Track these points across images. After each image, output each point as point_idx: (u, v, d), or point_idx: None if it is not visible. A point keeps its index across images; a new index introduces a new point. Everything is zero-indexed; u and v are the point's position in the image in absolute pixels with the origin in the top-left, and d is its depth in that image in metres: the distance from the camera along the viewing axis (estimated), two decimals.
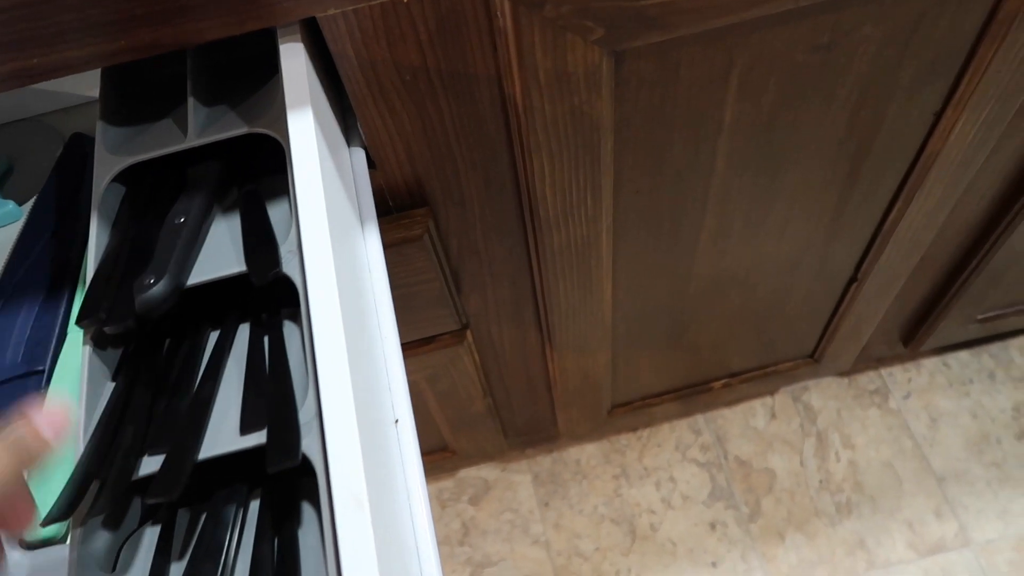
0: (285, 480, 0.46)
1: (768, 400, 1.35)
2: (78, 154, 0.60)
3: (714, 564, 1.21)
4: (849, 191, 0.78)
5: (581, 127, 0.60)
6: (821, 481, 1.27)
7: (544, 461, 1.33)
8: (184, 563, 0.42)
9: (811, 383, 1.35)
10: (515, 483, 1.31)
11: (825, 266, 0.92)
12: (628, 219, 0.73)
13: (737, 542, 1.23)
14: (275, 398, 0.42)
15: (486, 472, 1.32)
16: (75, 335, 0.52)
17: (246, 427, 0.42)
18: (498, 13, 0.51)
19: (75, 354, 0.51)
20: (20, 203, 0.59)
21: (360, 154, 0.60)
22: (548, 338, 0.91)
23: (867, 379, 1.35)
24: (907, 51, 0.62)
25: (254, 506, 0.46)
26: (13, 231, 0.58)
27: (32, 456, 0.35)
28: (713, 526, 1.25)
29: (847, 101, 0.66)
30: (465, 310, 0.83)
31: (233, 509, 0.45)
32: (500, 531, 1.27)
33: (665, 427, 1.34)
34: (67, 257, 0.55)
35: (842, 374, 1.35)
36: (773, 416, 1.33)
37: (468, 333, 0.86)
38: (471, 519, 1.29)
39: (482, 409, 1.03)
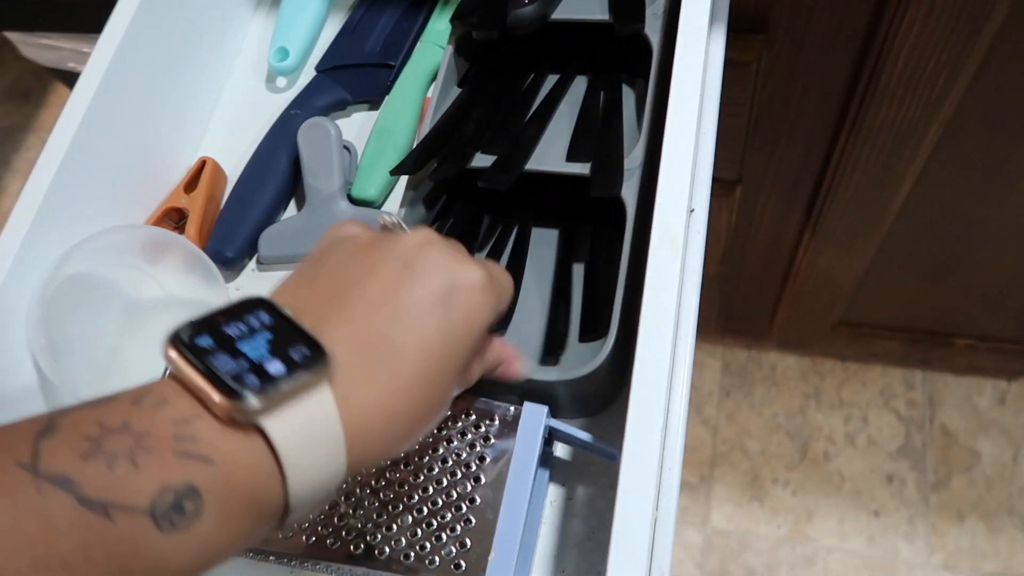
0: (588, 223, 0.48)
1: (1003, 384, 1.23)
2: None
3: (876, 513, 1.17)
4: None
5: None
6: None
7: (739, 354, 1.31)
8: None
9: None
10: (704, 363, 1.31)
11: None
12: (969, 118, 0.67)
13: (910, 503, 1.17)
14: (605, 138, 0.44)
15: None
16: (426, 45, 0.56)
17: (573, 155, 0.44)
18: None
19: (422, 61, 0.56)
20: None
21: None
22: (813, 223, 0.87)
23: None
24: None
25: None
26: None
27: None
28: (890, 479, 1.19)
29: None
30: (746, 164, 0.80)
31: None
32: None
33: (877, 369, 1.27)
34: None
35: None
36: (1002, 401, 1.22)
37: (738, 190, 0.84)
38: None
39: (711, 274, 1.02)
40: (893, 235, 0.86)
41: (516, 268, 0.45)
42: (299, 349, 0.26)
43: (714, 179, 0.84)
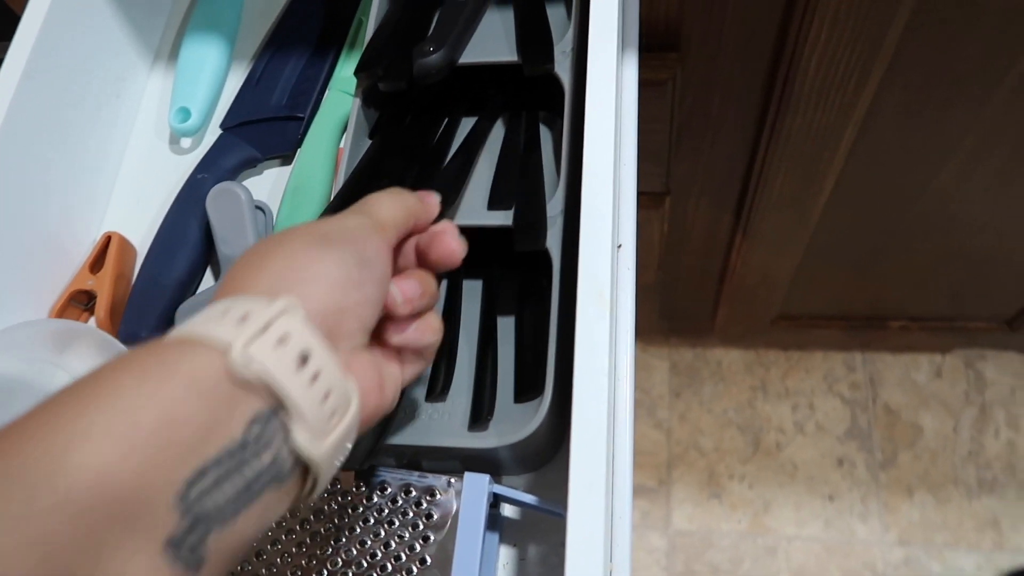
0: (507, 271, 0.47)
1: (937, 358, 1.27)
2: None
3: (831, 497, 1.19)
4: None
5: None
6: (971, 452, 1.20)
7: (686, 353, 1.32)
8: None
9: (991, 353, 1.26)
10: (652, 366, 1.32)
11: None
12: (883, 115, 0.68)
13: (861, 483, 1.20)
14: (525, 185, 0.43)
15: None
16: (334, 94, 0.54)
17: (494, 203, 0.42)
18: None
19: (331, 111, 0.54)
20: None
21: None
22: (743, 226, 0.87)
23: None
24: None
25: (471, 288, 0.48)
26: None
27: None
28: (841, 462, 1.22)
29: None
30: (673, 175, 0.81)
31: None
32: None
33: (818, 355, 1.29)
34: (338, 18, 0.57)
35: None
36: (938, 375, 1.26)
37: (667, 200, 0.84)
38: None
39: (650, 281, 1.03)
40: (821, 230, 0.87)
41: (450, 324, 0.44)
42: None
43: (643, 193, 0.85)
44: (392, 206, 0.33)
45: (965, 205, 0.81)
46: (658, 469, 1.25)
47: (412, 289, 0.32)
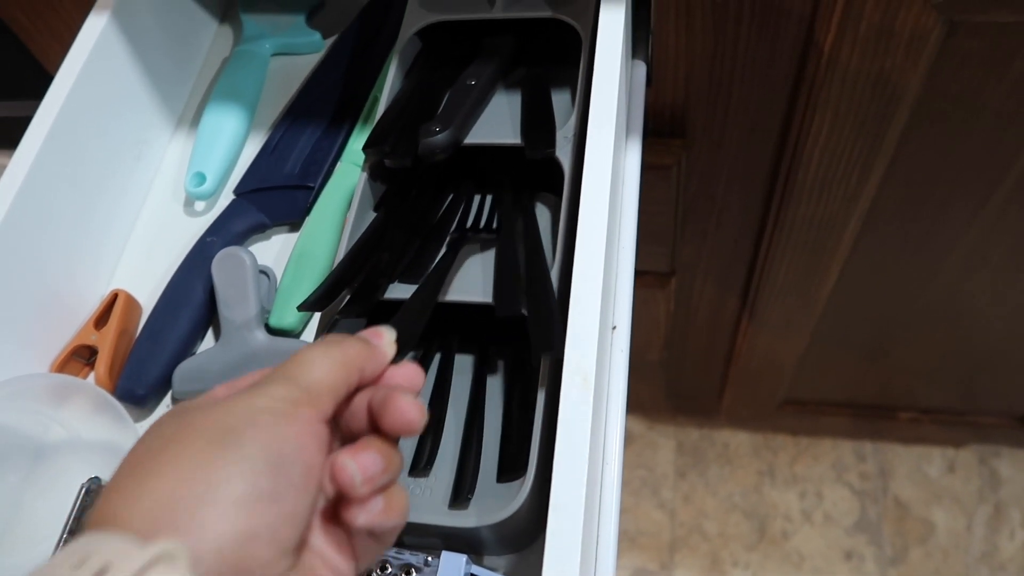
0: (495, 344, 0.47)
1: (950, 452, 1.24)
2: (382, 3, 0.63)
3: None
4: None
5: (880, 94, 0.56)
6: (984, 553, 1.16)
7: (692, 433, 1.30)
8: None
9: (1006, 450, 1.23)
10: (657, 444, 1.31)
11: None
12: (886, 209, 0.69)
13: None
14: (534, 283, 0.42)
15: (632, 424, 1.32)
16: (345, 166, 0.56)
17: (502, 308, 0.42)
18: None
19: (341, 181, 0.55)
20: (324, 37, 0.63)
21: (641, 68, 0.60)
22: (749, 310, 0.88)
23: None
24: None
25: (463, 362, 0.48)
26: (313, 60, 0.63)
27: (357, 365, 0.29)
28: (849, 555, 1.18)
29: None
30: (678, 256, 0.81)
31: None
32: (629, 483, 1.27)
33: (828, 442, 1.27)
34: (354, 94, 0.59)
35: None
36: (951, 469, 1.23)
37: (672, 281, 0.85)
38: None
39: (655, 359, 1.03)
40: (827, 318, 0.87)
41: (439, 400, 0.44)
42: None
43: (648, 272, 0.85)
44: (326, 366, 0.27)
45: (970, 298, 0.81)
46: (660, 552, 1.22)
47: (373, 465, 0.26)
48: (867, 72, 0.54)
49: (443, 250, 0.46)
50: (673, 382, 1.13)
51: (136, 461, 0.24)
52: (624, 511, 1.25)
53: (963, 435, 1.18)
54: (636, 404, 1.23)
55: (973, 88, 0.55)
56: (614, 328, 0.49)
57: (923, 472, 1.23)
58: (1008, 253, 0.72)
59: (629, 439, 1.31)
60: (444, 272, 0.44)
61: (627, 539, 1.23)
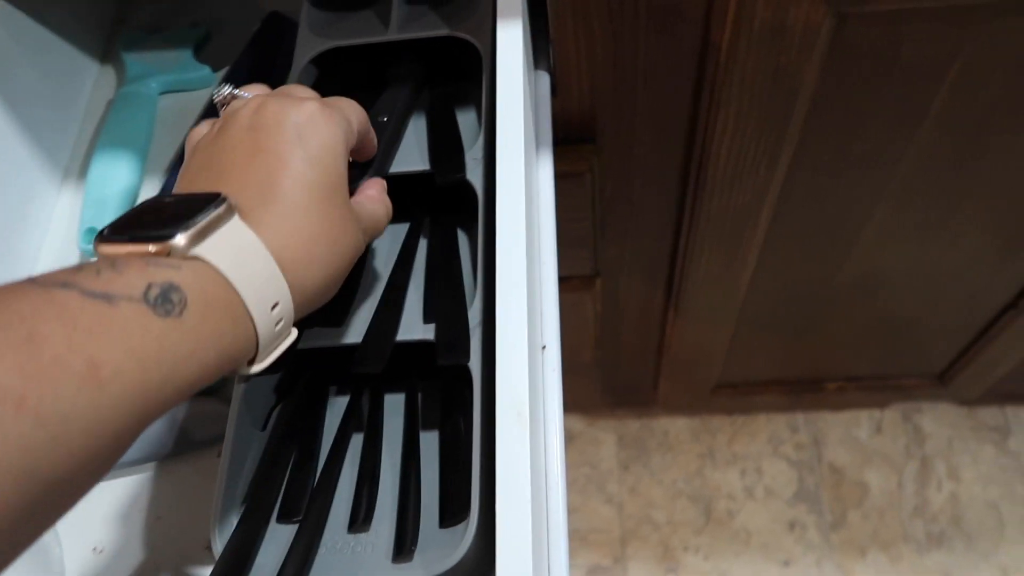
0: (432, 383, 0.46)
1: (876, 413, 1.29)
2: (273, 32, 0.61)
3: (786, 563, 1.19)
4: None
5: (779, 89, 0.57)
6: (916, 507, 1.21)
7: (632, 425, 1.32)
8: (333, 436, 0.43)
9: (927, 405, 1.29)
10: (599, 440, 1.31)
11: (987, 285, 0.86)
12: (795, 195, 0.70)
13: (814, 547, 1.20)
14: (446, 298, 0.42)
15: (572, 423, 1.33)
16: None
17: (428, 317, 0.42)
18: None
19: None
20: (214, 69, 0.60)
21: (544, 79, 0.59)
22: (675, 303, 0.89)
23: (989, 414, 1.27)
24: None
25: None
26: (205, 94, 0.60)
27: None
28: (792, 526, 1.22)
29: None
30: (601, 257, 0.82)
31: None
32: (575, 482, 1.28)
33: (762, 418, 1.30)
34: None
35: (963, 403, 1.28)
36: (878, 430, 1.28)
37: (598, 282, 0.85)
38: None
39: (588, 360, 1.03)
40: (750, 303, 0.89)
41: (372, 450, 0.42)
42: (200, 201, 0.29)
43: (573, 276, 0.85)
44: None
45: (885, 269, 0.84)
46: (612, 546, 1.22)
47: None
48: (764, 68, 0.55)
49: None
50: (608, 378, 1.13)
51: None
52: (572, 510, 1.25)
53: (887, 396, 1.22)
54: (574, 403, 1.23)
55: (865, 76, 0.57)
56: (544, 348, 0.48)
57: (853, 436, 1.28)
58: (915, 227, 0.75)
59: (570, 437, 1.31)
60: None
61: (578, 538, 1.23)
